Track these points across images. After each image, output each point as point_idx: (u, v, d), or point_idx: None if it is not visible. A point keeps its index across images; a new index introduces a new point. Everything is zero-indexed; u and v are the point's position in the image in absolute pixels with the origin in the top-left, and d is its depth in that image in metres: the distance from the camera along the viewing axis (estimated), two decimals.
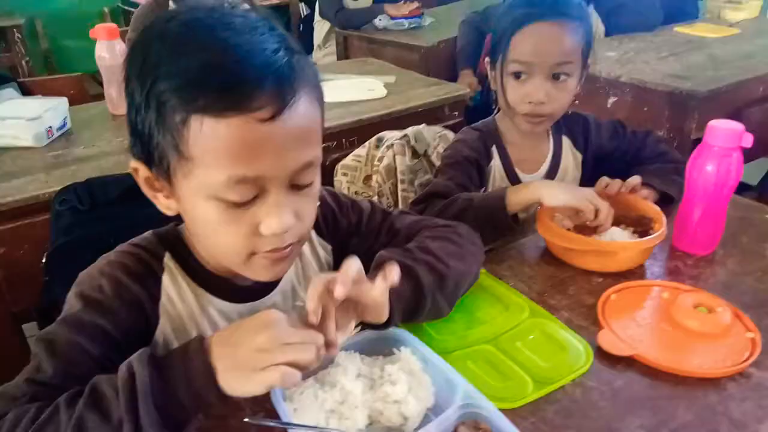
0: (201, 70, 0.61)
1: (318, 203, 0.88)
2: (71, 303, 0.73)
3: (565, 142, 1.31)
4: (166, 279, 0.77)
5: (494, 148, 1.28)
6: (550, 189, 1.06)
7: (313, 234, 0.89)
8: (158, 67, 0.63)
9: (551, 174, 1.29)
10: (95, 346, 0.69)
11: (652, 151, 1.28)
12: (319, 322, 0.66)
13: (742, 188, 2.35)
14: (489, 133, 1.29)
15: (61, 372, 0.67)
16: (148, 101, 0.64)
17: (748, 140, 1.00)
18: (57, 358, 0.68)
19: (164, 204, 0.73)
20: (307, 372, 0.64)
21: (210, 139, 0.62)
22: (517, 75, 1.16)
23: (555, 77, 1.14)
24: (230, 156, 0.63)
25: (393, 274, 0.71)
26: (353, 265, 0.69)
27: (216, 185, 0.64)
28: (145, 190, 0.73)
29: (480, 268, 0.95)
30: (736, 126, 0.99)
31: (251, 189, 0.65)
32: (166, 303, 0.77)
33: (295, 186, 0.68)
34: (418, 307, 0.82)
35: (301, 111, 0.65)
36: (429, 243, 0.88)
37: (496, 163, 1.27)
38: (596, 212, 1.03)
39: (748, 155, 2.17)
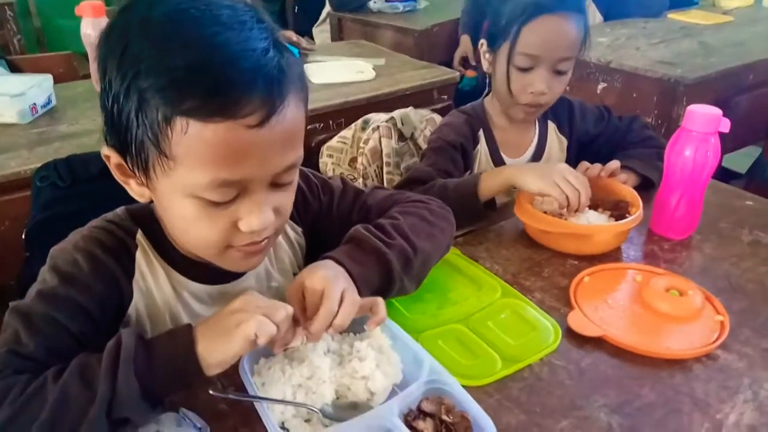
0: (187, 70, 0.59)
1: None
2: (45, 278, 0.72)
3: (551, 126, 1.31)
4: (139, 256, 0.77)
5: (481, 132, 1.28)
6: (523, 174, 1.06)
7: None
8: (140, 60, 0.60)
9: (536, 158, 1.29)
10: (73, 321, 0.70)
11: (637, 135, 1.29)
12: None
13: (731, 176, 2.36)
14: (477, 117, 1.29)
15: (42, 347, 0.67)
16: (128, 93, 0.61)
17: (725, 125, 1.00)
18: (36, 332, 0.68)
19: (137, 191, 0.72)
20: (283, 346, 0.66)
21: (194, 142, 0.61)
22: (522, 67, 1.15)
23: (556, 70, 1.15)
24: (215, 160, 0.62)
25: (381, 313, 0.73)
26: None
27: (197, 186, 0.64)
28: (117, 175, 0.71)
29: (451, 243, 0.95)
30: (714, 111, 0.99)
31: (233, 190, 0.65)
32: (140, 279, 0.77)
33: (276, 184, 0.69)
34: (385, 289, 0.82)
35: (288, 115, 0.64)
36: (401, 220, 0.86)
37: (482, 147, 1.27)
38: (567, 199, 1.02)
39: (737, 143, 2.20)
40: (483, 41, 1.24)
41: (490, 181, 1.08)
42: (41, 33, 4.02)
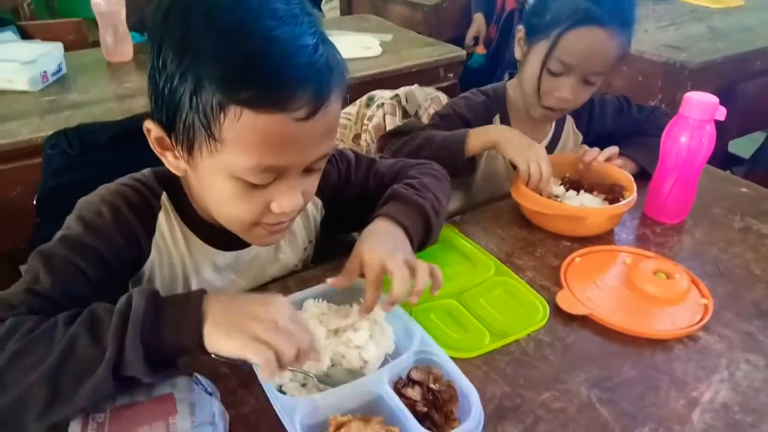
0: (246, 62, 0.62)
1: None
2: (71, 225, 0.76)
3: (569, 121, 1.31)
4: (161, 216, 0.81)
5: (497, 117, 1.27)
6: (505, 140, 1.09)
7: None
8: (201, 47, 0.63)
9: (549, 151, 1.28)
10: (91, 268, 0.73)
11: (653, 126, 1.25)
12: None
13: (735, 161, 2.37)
14: (496, 100, 1.27)
15: (59, 287, 0.70)
16: (185, 76, 0.64)
17: (721, 114, 1.02)
18: (55, 273, 0.70)
19: (173, 164, 0.75)
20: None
21: (245, 130, 0.64)
22: (554, 71, 1.13)
23: (586, 80, 1.13)
24: (262, 147, 0.66)
25: (439, 279, 0.80)
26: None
27: (240, 169, 0.67)
28: (155, 147, 0.74)
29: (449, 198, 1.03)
30: (711, 99, 1.01)
31: (272, 174, 0.69)
32: (159, 239, 0.81)
33: (309, 170, 0.73)
34: (426, 239, 0.91)
35: (331, 109, 0.68)
36: (424, 179, 0.95)
37: None
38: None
39: (743, 129, 2.20)
40: (521, 28, 1.20)
41: (475, 139, 1.11)
42: None
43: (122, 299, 0.65)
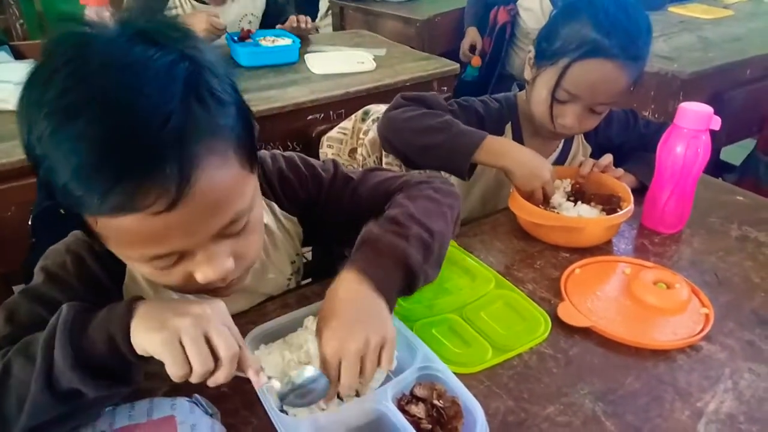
0: (80, 169, 0.54)
1: (279, 173, 0.89)
2: (36, 275, 0.74)
3: (578, 135, 1.31)
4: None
5: (509, 126, 1.25)
6: (514, 169, 1.07)
7: (276, 208, 0.90)
8: (45, 153, 0.56)
9: (558, 163, 1.29)
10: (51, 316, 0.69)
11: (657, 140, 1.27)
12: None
13: (726, 169, 2.38)
14: (509, 109, 1.26)
15: (18, 335, 0.66)
16: (40, 177, 0.58)
17: (716, 123, 1.02)
18: (14, 322, 0.69)
19: None
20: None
21: (110, 231, 0.60)
22: (559, 99, 1.12)
23: (592, 110, 1.13)
24: (137, 243, 0.61)
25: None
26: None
27: (135, 259, 0.64)
28: None
29: (459, 213, 0.92)
30: (706, 109, 1.02)
31: (171, 258, 0.63)
32: (130, 284, 0.79)
33: (226, 234, 0.65)
34: (410, 285, 0.78)
35: (204, 186, 0.58)
36: (411, 206, 0.83)
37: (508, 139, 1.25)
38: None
39: (733, 137, 2.22)
40: (532, 50, 1.18)
41: (486, 156, 1.08)
42: (43, 17, 4.02)
43: (53, 317, 0.61)
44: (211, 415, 0.67)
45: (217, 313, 0.61)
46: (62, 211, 0.62)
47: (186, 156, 0.56)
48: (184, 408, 0.66)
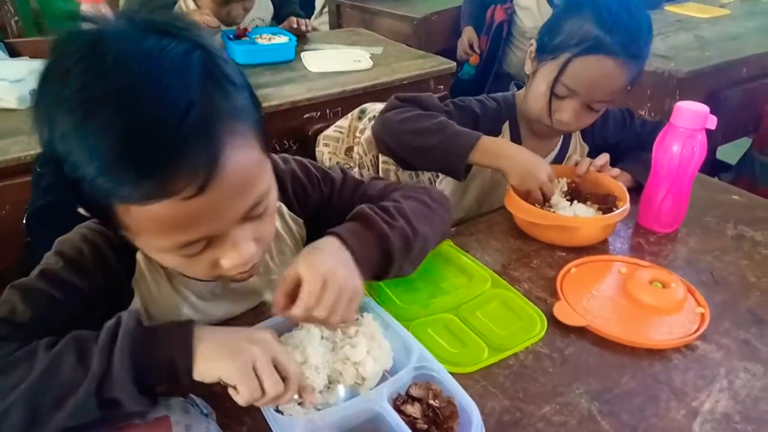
0: (111, 156, 0.55)
1: (288, 175, 0.90)
2: (50, 260, 0.74)
3: (576, 133, 1.30)
4: (139, 255, 0.78)
5: (506, 125, 1.25)
6: (510, 172, 1.06)
7: (284, 209, 0.90)
8: (70, 149, 0.56)
9: (556, 162, 1.29)
10: (70, 302, 0.71)
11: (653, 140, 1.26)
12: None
13: (722, 168, 2.39)
14: (507, 109, 1.26)
15: (36, 319, 0.68)
16: (65, 180, 0.58)
17: (712, 122, 1.02)
18: (34, 306, 0.69)
19: None
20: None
21: (141, 220, 0.60)
22: (558, 94, 1.12)
23: (589, 106, 1.13)
24: (168, 230, 0.61)
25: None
26: None
27: (163, 248, 0.64)
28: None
29: (448, 230, 0.96)
30: (702, 108, 1.02)
31: (199, 244, 0.64)
32: (139, 278, 0.79)
33: (249, 218, 0.67)
34: (384, 269, 0.82)
35: (230, 167, 0.59)
36: (403, 204, 0.86)
37: (505, 138, 1.25)
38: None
39: (729, 136, 2.22)
40: (533, 43, 1.18)
41: (481, 157, 1.08)
42: (39, 14, 4.00)
43: (110, 322, 0.64)
44: (206, 415, 0.67)
45: (275, 339, 0.66)
46: (80, 208, 0.64)
47: (211, 139, 0.57)
48: (179, 408, 0.66)
